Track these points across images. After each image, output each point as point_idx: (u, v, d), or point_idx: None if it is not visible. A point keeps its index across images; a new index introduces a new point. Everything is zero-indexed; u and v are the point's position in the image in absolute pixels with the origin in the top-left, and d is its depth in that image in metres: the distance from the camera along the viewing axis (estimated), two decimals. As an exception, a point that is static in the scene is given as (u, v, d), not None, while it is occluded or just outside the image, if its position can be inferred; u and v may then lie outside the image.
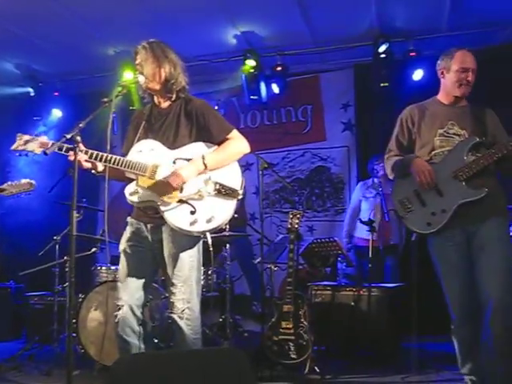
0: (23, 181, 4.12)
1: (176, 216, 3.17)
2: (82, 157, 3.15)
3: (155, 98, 3.42)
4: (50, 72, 7.26)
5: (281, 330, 4.58)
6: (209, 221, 3.16)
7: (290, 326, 4.56)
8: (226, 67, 7.02)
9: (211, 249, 3.29)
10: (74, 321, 4.96)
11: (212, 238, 3.41)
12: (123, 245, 3.36)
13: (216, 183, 3.21)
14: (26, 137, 3.19)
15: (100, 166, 3.29)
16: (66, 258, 5.25)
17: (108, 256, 5.27)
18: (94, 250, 5.51)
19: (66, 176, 6.01)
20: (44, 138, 3.20)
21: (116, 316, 3.27)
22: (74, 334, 4.76)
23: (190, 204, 3.17)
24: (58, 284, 5.40)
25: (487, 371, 3.29)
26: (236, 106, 7.68)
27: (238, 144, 3.33)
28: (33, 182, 4.13)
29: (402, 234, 6.24)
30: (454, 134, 3.53)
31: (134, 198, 3.23)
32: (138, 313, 3.30)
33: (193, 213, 3.15)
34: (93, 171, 3.29)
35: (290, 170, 7.53)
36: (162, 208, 3.18)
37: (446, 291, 3.46)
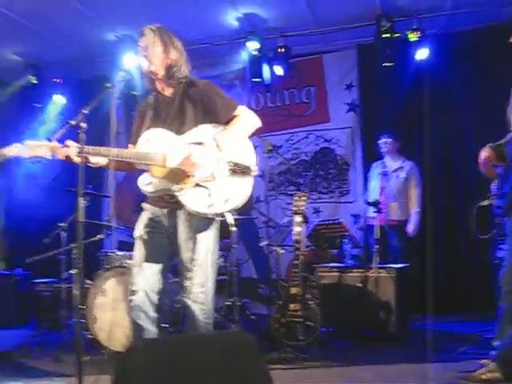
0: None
1: (193, 200, 3.13)
2: (71, 150, 3.05)
3: (157, 84, 3.34)
4: (51, 59, 7.21)
5: (288, 312, 4.59)
6: (226, 201, 3.11)
7: (298, 307, 4.56)
8: (228, 50, 6.97)
9: (234, 228, 3.25)
10: (82, 307, 4.98)
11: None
12: (139, 231, 3.31)
13: (229, 162, 3.16)
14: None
15: (102, 160, 3.24)
16: (71, 244, 5.26)
17: (113, 241, 5.29)
18: (100, 236, 5.49)
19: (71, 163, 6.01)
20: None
21: (131, 301, 3.25)
22: (83, 320, 4.77)
23: (205, 187, 3.14)
24: (65, 270, 5.40)
25: None
26: (239, 89, 7.63)
27: (247, 119, 3.25)
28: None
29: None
30: None
31: (149, 189, 3.20)
32: (155, 299, 3.25)
33: (209, 195, 3.12)
34: (90, 164, 3.22)
35: (295, 152, 7.51)
36: (178, 194, 3.15)
37: None
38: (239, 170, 3.16)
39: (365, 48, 7.12)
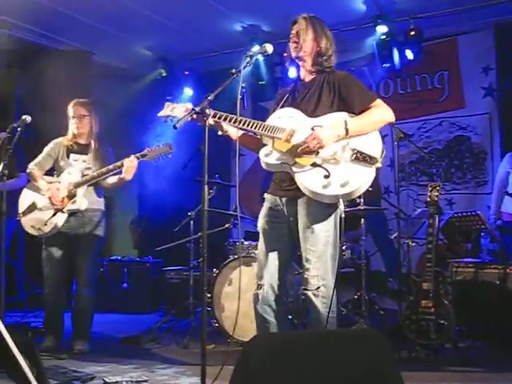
0: (161, 145, 4.34)
1: (308, 178, 3.07)
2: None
3: (301, 71, 3.39)
4: (180, 51, 7.39)
5: (420, 308, 4.33)
6: (343, 185, 3.01)
7: (430, 304, 4.29)
8: (356, 35, 6.73)
9: (343, 215, 3.13)
10: (208, 295, 5.05)
11: (346, 212, 3.24)
12: (261, 222, 3.34)
13: (354, 149, 3.06)
14: (173, 104, 3.35)
15: (232, 131, 3.33)
16: (200, 233, 5.34)
17: (239, 231, 5.29)
18: (227, 225, 5.53)
19: (199, 153, 6.10)
20: (189, 105, 3.29)
21: (256, 294, 3.25)
22: (209, 309, 4.83)
23: (324, 168, 3.04)
24: (193, 259, 5.49)
25: None
26: (367, 76, 7.36)
27: (381, 111, 3.19)
28: (171, 144, 4.33)
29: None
30: None
31: (268, 160, 3.19)
32: (278, 291, 3.25)
33: (326, 177, 3.03)
34: (220, 132, 3.35)
35: (427, 141, 7.13)
36: (295, 169, 3.11)
37: None
38: (362, 158, 3.03)
39: (503, 26, 6.61)
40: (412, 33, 6.54)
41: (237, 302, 3.96)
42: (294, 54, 3.31)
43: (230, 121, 3.23)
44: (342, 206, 3.16)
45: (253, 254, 4.86)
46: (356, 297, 5.37)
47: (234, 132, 3.33)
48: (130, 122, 7.68)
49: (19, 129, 4.16)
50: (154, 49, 7.39)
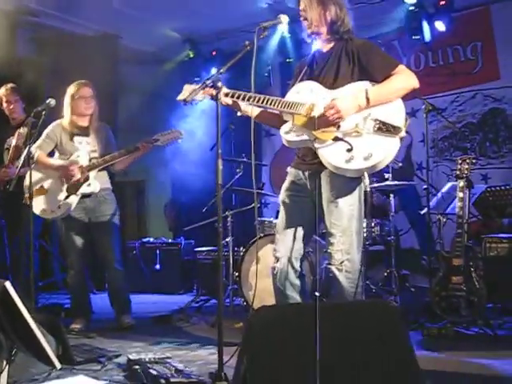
0: (172, 130, 4.45)
1: (331, 153, 3.00)
2: (220, 90, 3.10)
3: (319, 43, 3.30)
4: (206, 32, 7.36)
5: (450, 285, 4.23)
6: (366, 158, 2.93)
7: (460, 280, 4.19)
8: (384, 8, 6.56)
9: (368, 189, 3.07)
10: (236, 274, 5.06)
11: (375, 188, 3.20)
12: (282, 195, 3.31)
13: (376, 120, 2.97)
14: (192, 86, 3.27)
15: (251, 110, 3.25)
16: (227, 212, 5.33)
17: (255, 210, 5.26)
18: (253, 204, 5.50)
19: (227, 131, 6.08)
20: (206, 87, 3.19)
21: (274, 268, 3.23)
22: (237, 287, 4.83)
23: (346, 141, 2.97)
24: (222, 239, 5.48)
25: None
26: (398, 50, 7.21)
27: (404, 78, 3.06)
28: (181, 130, 4.44)
29: None
30: None
31: (289, 137, 3.14)
32: (297, 265, 3.22)
33: (349, 150, 2.96)
34: (239, 113, 3.35)
35: (460, 115, 6.94)
36: (317, 145, 3.04)
37: None
38: (385, 128, 2.94)
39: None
40: (442, 3, 6.34)
41: (264, 280, 3.99)
42: (308, 32, 3.24)
43: (244, 98, 3.18)
44: (366, 180, 3.11)
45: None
46: (386, 274, 5.30)
47: (253, 109, 3.27)
48: (159, 104, 7.69)
49: (44, 112, 4.20)
50: (181, 30, 7.37)
